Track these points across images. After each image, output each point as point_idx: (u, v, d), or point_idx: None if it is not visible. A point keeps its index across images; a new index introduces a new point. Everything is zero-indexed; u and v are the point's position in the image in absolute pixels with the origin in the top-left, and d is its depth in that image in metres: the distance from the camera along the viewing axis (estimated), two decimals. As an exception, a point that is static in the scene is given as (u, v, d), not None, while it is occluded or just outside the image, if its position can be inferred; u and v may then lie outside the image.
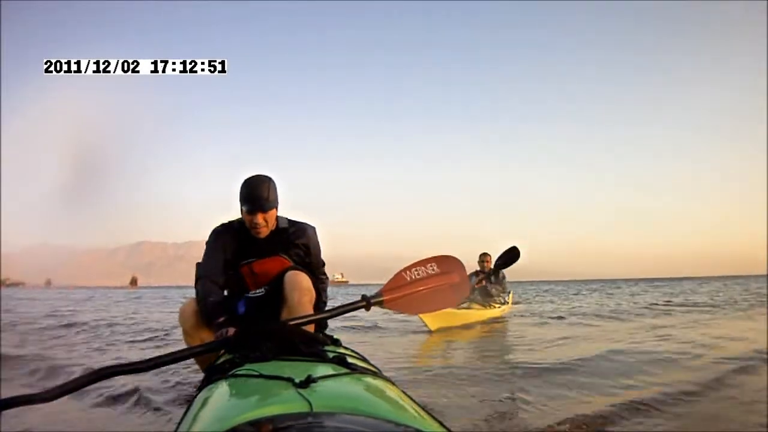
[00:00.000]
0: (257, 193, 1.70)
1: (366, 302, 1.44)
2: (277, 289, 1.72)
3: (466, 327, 5.93)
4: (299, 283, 1.68)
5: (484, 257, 6.92)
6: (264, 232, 1.76)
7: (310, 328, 1.55)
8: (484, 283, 6.76)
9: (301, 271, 1.77)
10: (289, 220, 1.88)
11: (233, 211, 1.86)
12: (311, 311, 1.65)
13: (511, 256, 6.48)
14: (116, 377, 1.04)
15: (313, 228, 1.92)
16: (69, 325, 7.11)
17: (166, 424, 2.09)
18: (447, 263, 1.62)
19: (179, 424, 0.80)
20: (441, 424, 0.75)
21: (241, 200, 1.74)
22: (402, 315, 6.96)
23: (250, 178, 1.74)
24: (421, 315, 5.42)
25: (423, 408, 0.81)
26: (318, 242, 1.93)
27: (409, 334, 5.60)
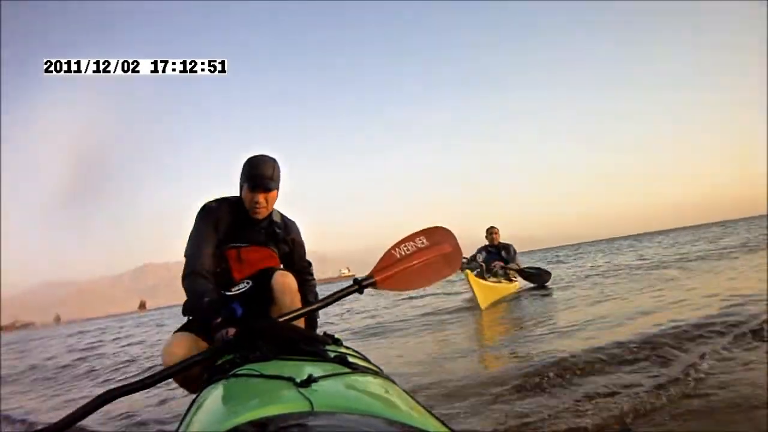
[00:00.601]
0: (262, 171, 1.67)
1: (358, 286, 1.42)
2: (261, 284, 1.70)
3: (508, 300, 5.97)
4: (289, 285, 1.65)
5: (491, 230, 6.82)
6: (263, 212, 1.73)
7: (301, 323, 1.55)
8: (510, 276, 6.73)
9: (288, 271, 1.74)
10: (281, 213, 1.87)
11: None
12: (298, 304, 1.63)
13: (541, 279, 7.03)
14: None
15: (297, 226, 1.91)
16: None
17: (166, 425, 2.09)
18: (436, 234, 1.57)
19: (180, 424, 0.80)
20: (443, 423, 0.75)
21: (243, 178, 1.70)
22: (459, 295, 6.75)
23: (255, 156, 1.71)
24: (475, 291, 5.35)
25: (425, 407, 0.81)
26: (303, 241, 1.92)
27: (461, 314, 5.49)
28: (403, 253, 1.50)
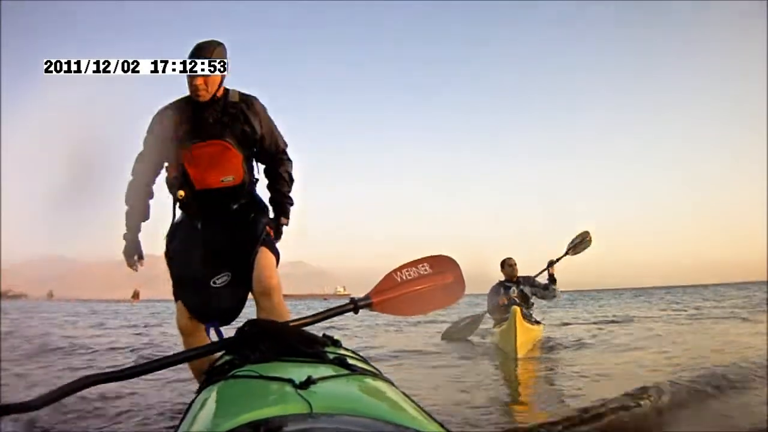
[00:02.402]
0: (200, 54, 1.68)
1: (354, 305, 1.42)
2: (241, 273, 1.72)
3: (544, 347, 4.77)
4: (270, 282, 1.68)
5: (509, 262, 5.24)
6: (204, 95, 1.69)
7: (284, 311, 1.66)
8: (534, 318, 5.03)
9: (267, 248, 1.76)
10: (240, 93, 1.79)
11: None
12: (282, 305, 1.69)
13: (582, 244, 5.36)
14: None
15: (261, 104, 1.81)
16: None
17: (165, 426, 2.08)
18: (440, 263, 1.56)
19: (179, 425, 0.80)
20: (441, 425, 0.75)
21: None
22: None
23: (199, 42, 1.72)
24: (518, 335, 4.17)
25: (423, 409, 0.81)
26: (269, 118, 1.82)
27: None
28: (404, 278, 1.50)
